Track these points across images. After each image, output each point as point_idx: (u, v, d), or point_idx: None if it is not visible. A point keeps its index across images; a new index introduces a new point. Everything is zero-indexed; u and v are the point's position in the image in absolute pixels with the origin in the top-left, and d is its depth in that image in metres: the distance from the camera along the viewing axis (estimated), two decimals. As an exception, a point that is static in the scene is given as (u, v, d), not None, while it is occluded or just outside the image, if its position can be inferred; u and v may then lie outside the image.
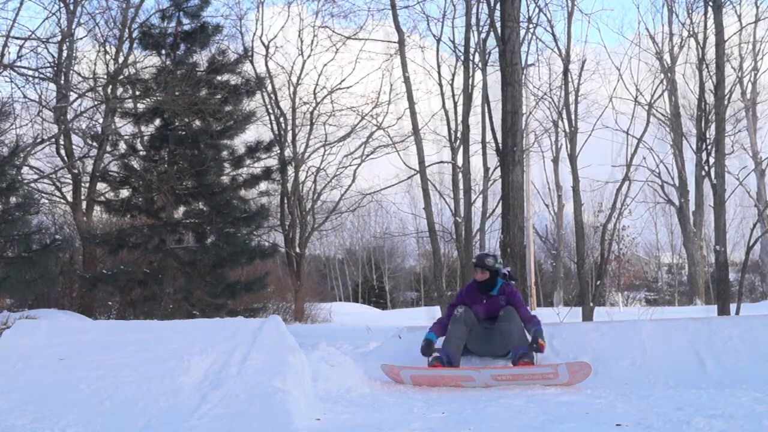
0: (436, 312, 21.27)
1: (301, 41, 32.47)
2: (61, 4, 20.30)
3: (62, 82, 20.06)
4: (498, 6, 17.35)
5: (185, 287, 20.38)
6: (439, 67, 24.33)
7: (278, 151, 28.86)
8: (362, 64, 31.53)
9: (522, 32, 19.91)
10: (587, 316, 18.72)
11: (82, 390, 8.41)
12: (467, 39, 21.21)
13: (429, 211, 19.86)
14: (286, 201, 30.49)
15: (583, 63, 21.71)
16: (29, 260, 14.54)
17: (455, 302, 9.93)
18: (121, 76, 20.49)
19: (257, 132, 29.24)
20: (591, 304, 19.17)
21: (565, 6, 21.68)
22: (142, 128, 21.58)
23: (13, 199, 15.36)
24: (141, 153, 21.37)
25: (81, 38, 22.52)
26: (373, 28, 40.22)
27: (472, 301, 9.78)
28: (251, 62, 29.25)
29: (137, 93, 20.69)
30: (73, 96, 20.40)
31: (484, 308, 9.75)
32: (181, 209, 21.37)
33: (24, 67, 17.83)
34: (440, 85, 24.16)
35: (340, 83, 31.32)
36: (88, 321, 15.79)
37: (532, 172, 32.73)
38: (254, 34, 31.77)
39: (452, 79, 24.63)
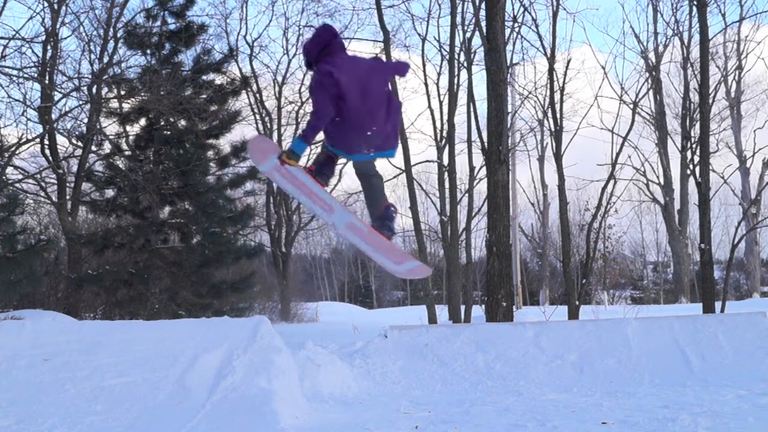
0: (422, 311, 21.26)
1: (286, 40, 32.45)
2: (46, 4, 20.16)
3: (47, 81, 19.93)
4: (483, 5, 17.30)
5: (171, 287, 20.32)
6: (424, 66, 24.33)
7: (264, 151, 28.75)
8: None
9: (507, 31, 19.92)
10: (573, 315, 18.77)
11: (68, 391, 8.39)
12: (452, 38, 21.23)
13: (415, 210, 19.86)
14: (272, 200, 30.45)
15: (569, 62, 21.69)
16: (14, 261, 14.46)
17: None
18: (106, 76, 20.40)
19: (243, 131, 29.20)
20: (577, 303, 19.22)
21: (550, 5, 21.68)
22: (128, 128, 21.52)
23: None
24: (126, 153, 21.28)
25: (65, 38, 22.48)
26: (358, 27, 40.18)
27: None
28: (236, 61, 29.23)
29: (122, 92, 20.61)
30: (57, 96, 20.29)
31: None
32: (167, 209, 21.30)
33: (8, 67, 17.67)
34: (426, 84, 24.14)
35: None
36: (73, 321, 15.71)
37: (517, 171, 32.72)
38: (239, 33, 31.80)
39: (438, 78, 24.63)
